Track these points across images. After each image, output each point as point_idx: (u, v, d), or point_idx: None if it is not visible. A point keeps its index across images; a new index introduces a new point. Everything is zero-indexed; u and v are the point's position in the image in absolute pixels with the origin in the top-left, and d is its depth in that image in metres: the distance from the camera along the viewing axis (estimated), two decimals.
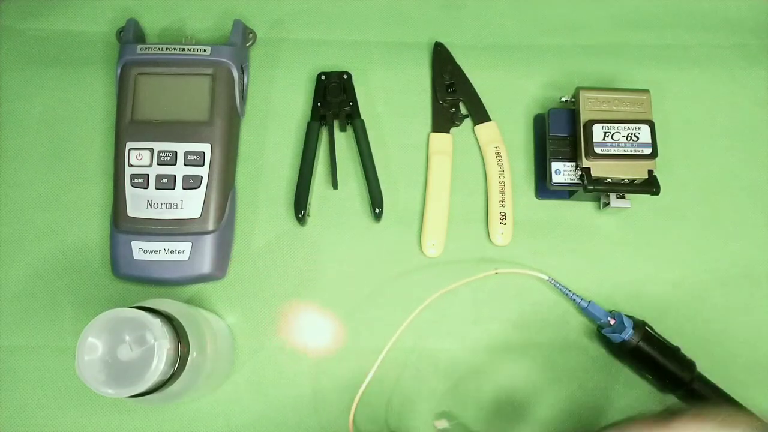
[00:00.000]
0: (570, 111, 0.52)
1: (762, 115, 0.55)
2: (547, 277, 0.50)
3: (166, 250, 0.48)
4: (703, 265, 0.52)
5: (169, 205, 0.48)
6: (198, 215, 0.48)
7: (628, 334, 0.46)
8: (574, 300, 0.49)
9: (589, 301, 0.49)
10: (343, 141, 0.54)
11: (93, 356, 0.36)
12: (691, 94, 0.56)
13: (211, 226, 0.49)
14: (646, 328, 0.47)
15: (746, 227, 0.53)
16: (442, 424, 0.43)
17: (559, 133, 0.51)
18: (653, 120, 0.49)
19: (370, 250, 0.52)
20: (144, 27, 0.55)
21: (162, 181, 0.48)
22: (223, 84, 0.50)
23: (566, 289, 0.49)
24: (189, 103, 0.50)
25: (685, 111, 0.55)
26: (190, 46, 0.51)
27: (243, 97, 0.53)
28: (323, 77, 0.55)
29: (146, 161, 0.49)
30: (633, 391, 0.49)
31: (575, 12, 0.58)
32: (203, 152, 0.49)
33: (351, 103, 0.54)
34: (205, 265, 0.48)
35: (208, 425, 0.48)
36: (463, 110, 0.55)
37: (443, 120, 0.55)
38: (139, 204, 0.48)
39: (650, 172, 0.49)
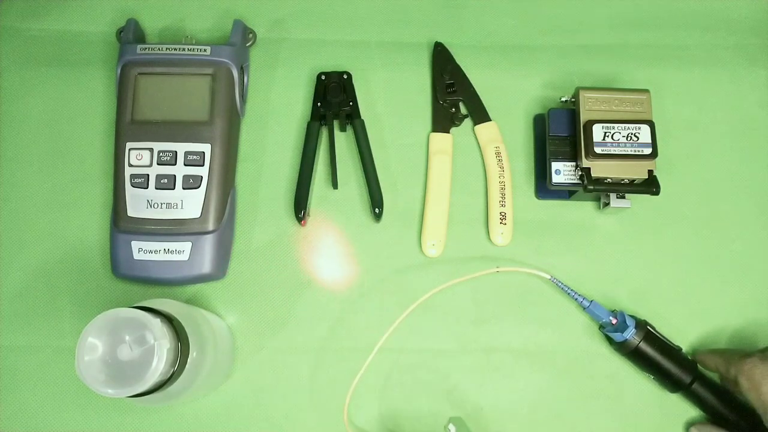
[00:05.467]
0: (570, 111, 0.52)
1: (762, 115, 0.55)
2: (549, 276, 0.49)
3: (166, 250, 0.48)
4: (703, 265, 0.52)
5: (169, 205, 0.48)
6: (198, 215, 0.48)
7: (630, 333, 0.46)
8: (576, 299, 0.49)
9: (591, 301, 0.48)
10: (343, 141, 0.54)
11: (93, 356, 0.36)
12: (691, 94, 0.56)
13: (211, 226, 0.49)
14: (648, 327, 0.47)
15: (746, 227, 0.53)
16: (452, 429, 0.43)
17: (559, 133, 0.51)
18: (653, 120, 0.49)
19: (370, 250, 0.52)
20: (144, 27, 0.55)
21: (162, 181, 0.48)
22: (223, 84, 0.50)
23: (568, 288, 0.49)
24: (189, 103, 0.50)
25: (685, 111, 0.55)
26: (190, 46, 0.51)
27: (243, 97, 0.53)
28: (323, 77, 0.55)
29: (146, 161, 0.49)
30: (635, 391, 0.49)
31: (575, 12, 0.58)
32: (203, 152, 0.49)
33: (351, 103, 0.54)
34: (205, 265, 0.48)
35: (208, 425, 0.48)
36: (463, 110, 0.55)
37: (443, 120, 0.55)
38: (139, 204, 0.48)
39: (650, 172, 0.48)
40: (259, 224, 0.52)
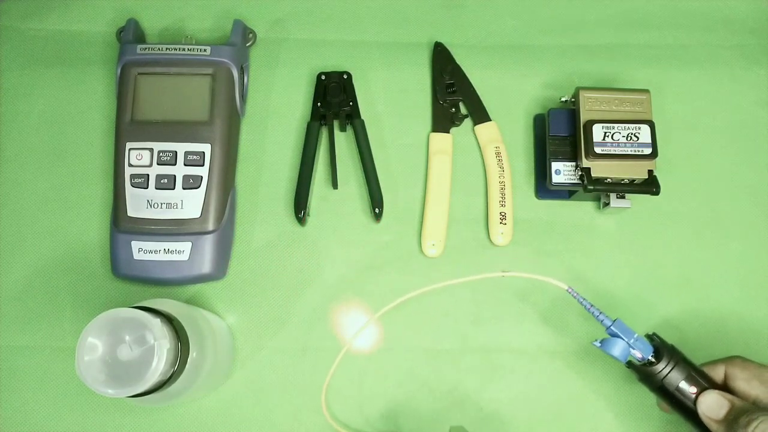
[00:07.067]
0: (570, 111, 0.52)
1: (762, 115, 0.55)
2: (566, 287, 0.43)
3: (166, 250, 0.48)
4: (703, 265, 0.52)
5: (169, 205, 0.48)
6: (198, 215, 0.48)
7: (645, 351, 0.41)
8: (595, 315, 0.42)
9: (615, 319, 0.42)
10: (343, 141, 0.54)
11: (93, 356, 0.36)
12: (691, 94, 0.56)
13: (211, 226, 0.49)
14: (680, 354, 0.41)
15: (746, 227, 0.53)
16: None
17: (559, 133, 0.51)
18: (653, 120, 0.49)
19: (370, 250, 0.52)
20: (144, 27, 0.55)
21: (162, 181, 0.48)
22: (223, 84, 0.50)
23: (586, 301, 0.43)
24: (189, 103, 0.50)
25: (685, 111, 0.55)
26: (190, 46, 0.51)
27: (243, 97, 0.53)
28: (323, 77, 0.55)
29: (146, 161, 0.49)
30: (635, 391, 0.49)
31: (575, 12, 0.58)
32: (203, 152, 0.49)
33: (351, 103, 0.54)
34: (205, 265, 0.48)
35: (208, 425, 0.48)
36: (463, 110, 0.55)
37: (443, 120, 0.55)
38: (139, 204, 0.48)
39: (650, 172, 0.49)
40: (259, 224, 0.52)
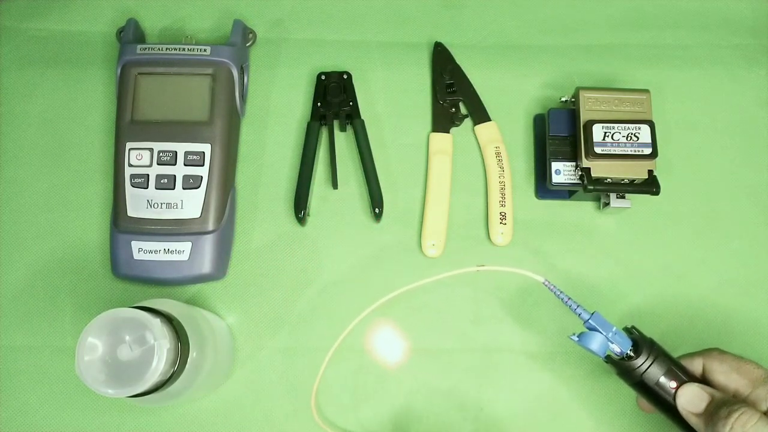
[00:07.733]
0: (570, 111, 0.52)
1: (762, 115, 0.55)
2: (542, 279, 0.42)
3: (166, 250, 0.48)
4: (703, 264, 0.52)
5: (169, 205, 0.48)
6: (198, 215, 0.48)
7: (624, 345, 0.40)
8: (572, 308, 0.41)
9: (593, 312, 0.41)
10: (343, 141, 0.54)
11: (93, 356, 0.36)
12: (691, 94, 0.56)
13: (211, 226, 0.49)
14: (658, 347, 0.40)
15: (746, 227, 0.53)
16: None
17: (559, 133, 0.51)
18: (653, 120, 0.49)
19: (370, 250, 0.52)
20: (144, 27, 0.55)
21: (162, 181, 0.48)
22: (223, 84, 0.50)
23: (562, 293, 0.42)
24: (189, 103, 0.50)
25: (685, 111, 0.55)
26: (190, 46, 0.51)
27: (243, 97, 0.53)
28: (323, 77, 0.55)
29: (146, 161, 0.49)
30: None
31: (575, 12, 0.58)
32: (203, 152, 0.49)
33: (351, 103, 0.54)
34: (205, 265, 0.48)
35: (208, 425, 0.48)
36: (463, 110, 0.55)
37: (443, 120, 0.55)
38: (139, 204, 0.48)
39: (650, 172, 0.49)
40: (259, 224, 0.52)
